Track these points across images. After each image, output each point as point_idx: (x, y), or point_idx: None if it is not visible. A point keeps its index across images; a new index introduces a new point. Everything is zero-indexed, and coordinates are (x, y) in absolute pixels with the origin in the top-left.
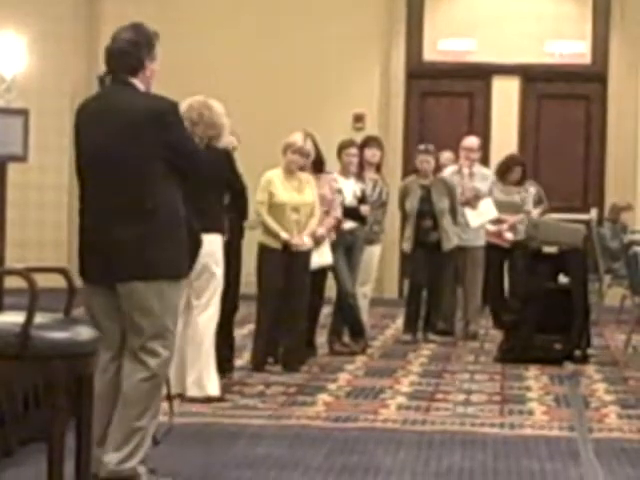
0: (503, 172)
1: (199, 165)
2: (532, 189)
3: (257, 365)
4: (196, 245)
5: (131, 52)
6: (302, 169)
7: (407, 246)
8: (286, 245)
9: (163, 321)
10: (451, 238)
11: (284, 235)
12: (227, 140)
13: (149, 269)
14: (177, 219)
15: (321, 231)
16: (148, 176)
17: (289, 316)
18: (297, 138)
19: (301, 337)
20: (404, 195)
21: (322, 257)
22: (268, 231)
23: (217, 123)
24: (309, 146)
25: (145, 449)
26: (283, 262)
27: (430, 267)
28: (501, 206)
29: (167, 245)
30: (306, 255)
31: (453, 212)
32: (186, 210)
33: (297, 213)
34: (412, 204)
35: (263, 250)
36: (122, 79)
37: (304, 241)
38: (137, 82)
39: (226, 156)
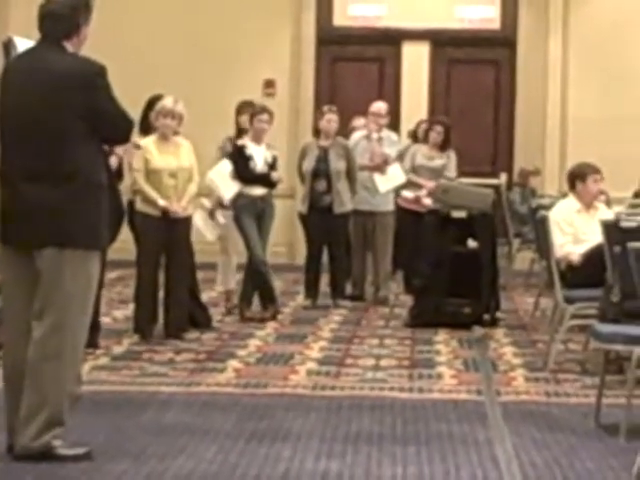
0: (425, 131)
1: (123, 130)
2: (453, 155)
3: (142, 334)
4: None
5: (68, 16)
6: (177, 133)
7: (303, 208)
8: (165, 212)
9: (73, 292)
10: (344, 202)
11: (162, 202)
12: None
13: (64, 236)
14: (98, 185)
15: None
16: (69, 138)
17: (170, 285)
18: (167, 102)
19: (183, 305)
20: (303, 156)
21: None
22: (146, 198)
23: None
24: (180, 108)
25: (60, 423)
26: (162, 229)
27: (325, 230)
28: (422, 171)
29: (85, 212)
30: (186, 221)
31: (350, 177)
32: (109, 177)
33: (174, 179)
34: (308, 164)
35: (142, 217)
36: (52, 40)
37: (182, 208)
38: (69, 45)
39: None
